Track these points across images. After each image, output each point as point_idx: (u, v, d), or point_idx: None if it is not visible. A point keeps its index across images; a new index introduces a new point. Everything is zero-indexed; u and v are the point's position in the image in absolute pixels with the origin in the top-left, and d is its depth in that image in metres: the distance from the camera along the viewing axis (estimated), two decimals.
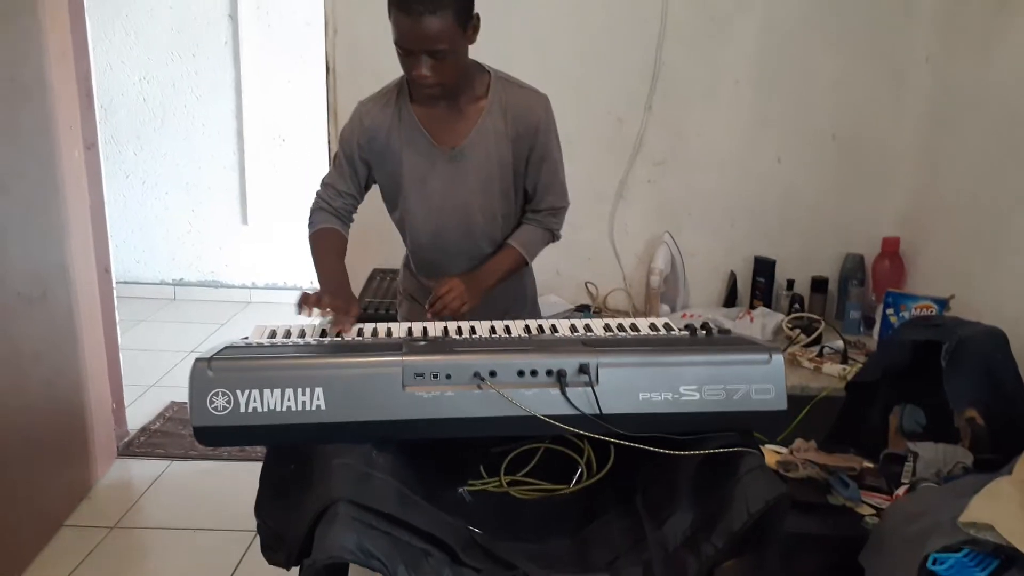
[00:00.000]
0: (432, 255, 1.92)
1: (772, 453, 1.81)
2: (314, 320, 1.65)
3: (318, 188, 1.89)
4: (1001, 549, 1.25)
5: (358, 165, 1.85)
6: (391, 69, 2.80)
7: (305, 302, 1.57)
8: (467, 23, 1.66)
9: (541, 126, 1.83)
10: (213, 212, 4.42)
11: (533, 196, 1.91)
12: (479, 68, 1.83)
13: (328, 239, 1.83)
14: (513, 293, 2.00)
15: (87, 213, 2.63)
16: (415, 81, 1.69)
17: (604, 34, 2.62)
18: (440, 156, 1.81)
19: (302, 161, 4.24)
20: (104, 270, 2.75)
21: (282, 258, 4.45)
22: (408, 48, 1.63)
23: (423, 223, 1.88)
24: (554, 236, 1.96)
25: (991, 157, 2.22)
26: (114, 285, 2.84)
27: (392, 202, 1.91)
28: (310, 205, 1.89)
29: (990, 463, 1.56)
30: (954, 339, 1.74)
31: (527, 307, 2.08)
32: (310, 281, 4.42)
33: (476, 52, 2.59)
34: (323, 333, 1.52)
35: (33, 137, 2.33)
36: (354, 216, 1.92)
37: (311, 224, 1.86)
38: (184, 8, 4.14)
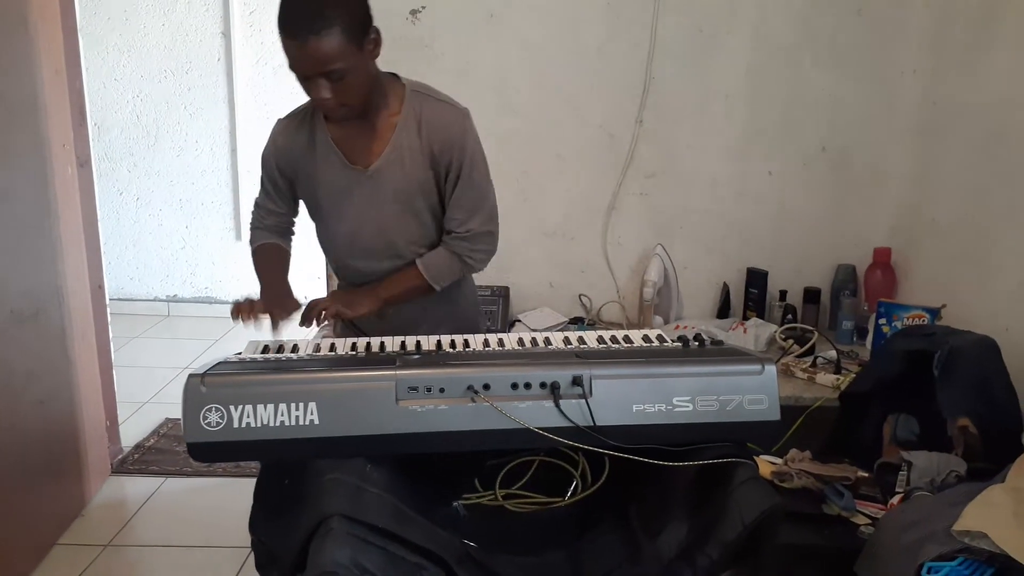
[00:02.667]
0: (354, 276, 1.84)
1: (767, 464, 1.82)
2: (309, 334, 1.65)
3: (252, 208, 1.92)
4: (995, 557, 1.26)
5: (280, 182, 1.82)
6: None
7: (239, 311, 1.60)
8: (363, 39, 1.56)
9: (457, 142, 1.70)
10: (207, 228, 4.42)
11: (447, 216, 1.77)
12: (394, 81, 1.72)
13: (265, 252, 1.87)
14: (448, 305, 1.89)
15: (80, 231, 2.62)
16: (318, 106, 1.63)
17: (595, 50, 2.63)
18: (356, 176, 1.72)
19: None
20: (97, 287, 2.74)
21: None
22: (302, 73, 1.54)
23: (343, 243, 1.81)
24: (464, 263, 1.79)
25: (978, 169, 2.24)
26: (107, 302, 2.83)
27: (314, 221, 1.87)
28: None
29: (983, 471, 1.57)
30: (946, 348, 1.75)
31: (465, 315, 1.95)
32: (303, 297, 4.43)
33: (472, 68, 2.55)
34: (317, 348, 1.52)
35: (25, 155, 2.33)
36: (294, 229, 1.94)
37: (250, 242, 1.90)
38: (177, 26, 4.15)
